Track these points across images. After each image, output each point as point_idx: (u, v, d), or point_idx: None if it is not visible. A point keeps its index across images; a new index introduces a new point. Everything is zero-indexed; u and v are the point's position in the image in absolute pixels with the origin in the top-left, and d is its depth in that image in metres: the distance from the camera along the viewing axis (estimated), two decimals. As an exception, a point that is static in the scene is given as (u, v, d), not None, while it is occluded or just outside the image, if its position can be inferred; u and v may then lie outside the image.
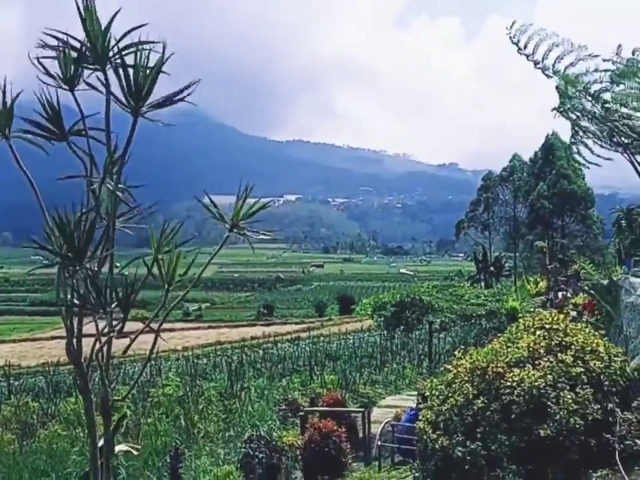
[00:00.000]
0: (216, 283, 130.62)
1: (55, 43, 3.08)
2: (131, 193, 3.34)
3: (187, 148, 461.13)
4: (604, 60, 11.05)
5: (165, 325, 3.46)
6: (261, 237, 3.60)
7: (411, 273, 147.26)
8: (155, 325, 3.44)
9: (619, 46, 11.26)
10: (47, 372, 29.64)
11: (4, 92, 3.14)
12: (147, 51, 3.05)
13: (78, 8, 2.96)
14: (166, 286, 3.40)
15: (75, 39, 3.03)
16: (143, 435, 12.83)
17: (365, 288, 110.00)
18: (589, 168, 13.14)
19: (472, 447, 6.75)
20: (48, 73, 3.05)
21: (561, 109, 11.98)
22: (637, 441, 7.40)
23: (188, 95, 3.19)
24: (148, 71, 3.07)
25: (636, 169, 13.27)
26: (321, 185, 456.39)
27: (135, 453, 4.34)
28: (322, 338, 41.45)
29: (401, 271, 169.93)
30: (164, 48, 3.06)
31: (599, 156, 14.07)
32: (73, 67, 3.05)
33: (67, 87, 3.10)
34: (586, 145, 13.98)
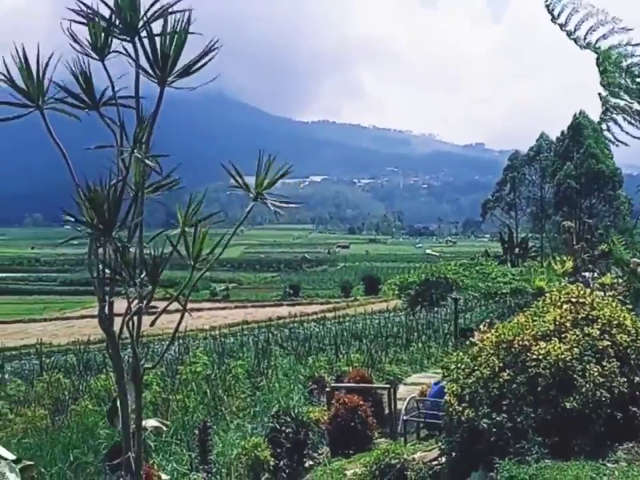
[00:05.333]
0: (242, 264, 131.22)
1: (83, 13, 3.12)
2: (159, 162, 3.36)
3: (209, 128, 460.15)
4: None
5: (193, 305, 3.47)
6: (283, 206, 3.61)
7: (437, 254, 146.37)
8: (196, 305, 3.46)
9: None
10: (77, 350, 30.13)
11: (37, 63, 3.16)
12: (173, 19, 3.07)
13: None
14: (192, 262, 3.43)
15: (106, 4, 3.06)
16: (172, 411, 12.99)
17: (391, 269, 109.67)
18: (617, 146, 12.94)
19: (498, 418, 6.80)
20: (77, 41, 3.08)
21: (604, 83, 11.74)
22: (663, 414, 7.40)
23: (210, 59, 3.21)
24: (174, 38, 3.09)
25: (665, 145, 13.07)
26: (346, 166, 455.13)
27: (165, 428, 4.40)
28: (348, 318, 41.53)
29: (427, 251, 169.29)
30: (189, 15, 3.08)
31: (627, 133, 13.86)
32: (102, 36, 3.09)
33: (96, 56, 3.14)
34: (616, 122, 13.77)
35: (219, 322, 49.38)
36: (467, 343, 9.68)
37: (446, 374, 7.99)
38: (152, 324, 3.52)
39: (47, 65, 3.16)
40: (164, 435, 10.52)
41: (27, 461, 5.12)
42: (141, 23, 3.09)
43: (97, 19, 3.04)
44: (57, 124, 3.29)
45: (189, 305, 3.45)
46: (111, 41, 3.12)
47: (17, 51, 3.11)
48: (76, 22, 3.07)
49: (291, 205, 3.64)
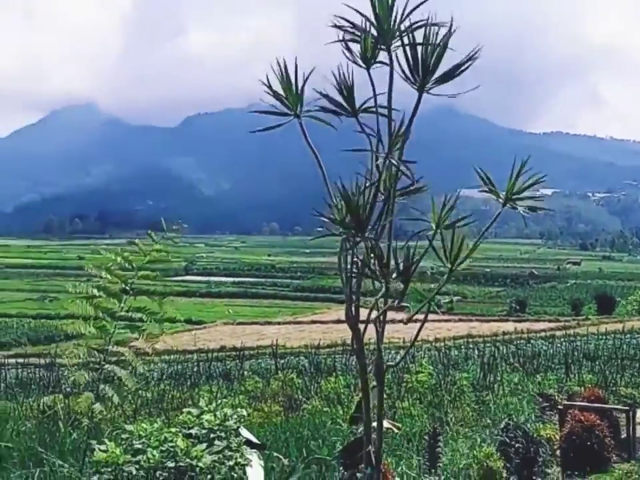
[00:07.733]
0: (467, 277, 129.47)
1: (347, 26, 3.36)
2: (410, 168, 3.51)
3: (438, 140, 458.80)
4: None
5: (418, 316, 3.53)
6: (533, 212, 3.60)
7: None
8: (418, 316, 3.55)
9: None
10: (308, 353, 31.55)
11: (295, 74, 3.40)
12: (434, 28, 3.21)
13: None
14: (449, 265, 3.46)
15: (362, 15, 3.26)
16: (398, 418, 13.20)
17: (627, 288, 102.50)
18: None
19: None
20: (350, 52, 3.34)
21: None
22: None
23: (469, 66, 3.31)
24: (436, 48, 3.23)
25: None
26: (579, 179, 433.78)
27: (396, 431, 4.53)
28: (578, 337, 39.45)
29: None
30: (451, 24, 3.21)
31: None
32: (371, 47, 3.31)
33: (364, 66, 3.37)
34: None
35: (443, 334, 49.29)
36: None
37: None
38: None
39: (307, 78, 3.43)
40: (391, 439, 10.75)
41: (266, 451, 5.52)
42: (398, 32, 3.27)
43: (367, 31, 3.27)
44: (290, 136, 3.53)
45: (416, 316, 3.53)
46: (379, 49, 3.33)
47: (278, 63, 3.41)
48: (346, 40, 3.32)
49: (540, 210, 3.62)
